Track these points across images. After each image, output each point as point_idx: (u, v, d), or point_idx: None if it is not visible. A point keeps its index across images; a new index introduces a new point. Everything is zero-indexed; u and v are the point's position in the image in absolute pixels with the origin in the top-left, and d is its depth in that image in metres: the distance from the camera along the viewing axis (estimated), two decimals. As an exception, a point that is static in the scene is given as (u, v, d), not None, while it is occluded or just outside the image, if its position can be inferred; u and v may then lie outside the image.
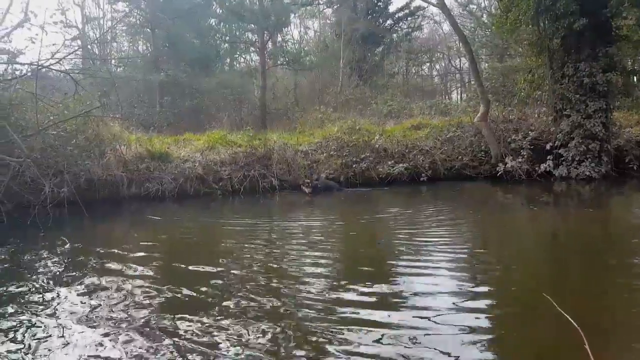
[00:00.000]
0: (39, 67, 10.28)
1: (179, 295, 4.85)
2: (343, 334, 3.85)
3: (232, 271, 5.77)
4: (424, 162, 13.88)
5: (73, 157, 10.62)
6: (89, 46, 26.18)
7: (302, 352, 3.56)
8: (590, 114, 12.78)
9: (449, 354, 3.47)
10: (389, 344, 3.67)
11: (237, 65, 29.27)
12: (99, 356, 3.59)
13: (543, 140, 13.66)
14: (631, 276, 5.48)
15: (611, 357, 3.34)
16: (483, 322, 4.06)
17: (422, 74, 39.48)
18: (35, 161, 9.83)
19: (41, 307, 4.66)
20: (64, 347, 3.76)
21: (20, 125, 10.09)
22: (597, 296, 4.83)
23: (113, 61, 25.16)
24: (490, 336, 3.82)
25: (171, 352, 3.60)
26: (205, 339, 3.77)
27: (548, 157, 13.13)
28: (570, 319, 1.97)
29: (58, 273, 5.89)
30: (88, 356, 3.58)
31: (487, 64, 26.58)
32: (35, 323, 4.26)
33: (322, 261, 6.06)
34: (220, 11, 23.93)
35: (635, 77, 16.04)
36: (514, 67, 19.76)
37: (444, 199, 11.90)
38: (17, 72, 10.93)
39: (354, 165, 13.61)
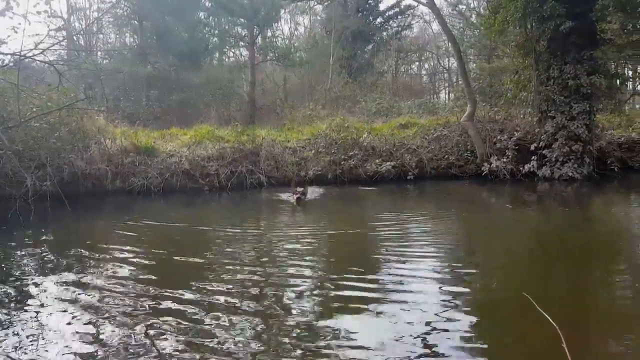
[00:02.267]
0: (22, 57, 10.07)
1: (163, 290, 4.82)
2: (330, 329, 3.87)
3: (218, 266, 5.75)
4: (411, 161, 13.95)
5: (56, 150, 10.47)
6: (74, 37, 25.72)
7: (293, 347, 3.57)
8: (574, 116, 12.96)
9: (430, 349, 3.52)
10: (371, 347, 3.69)
11: (226, 59, 29.08)
12: (81, 349, 3.56)
13: (528, 141, 13.82)
14: (611, 276, 5.60)
15: (588, 354, 3.41)
16: (464, 319, 4.12)
17: (411, 73, 39.69)
18: (17, 153, 9.69)
19: (22, 300, 4.61)
20: (45, 339, 3.72)
21: (2, 117, 9.91)
22: (576, 295, 4.92)
23: (99, 53, 24.80)
24: (470, 334, 3.87)
25: (154, 345, 3.58)
26: (190, 333, 3.76)
27: (532, 158, 13.29)
28: (548, 317, 2.00)
29: (39, 267, 5.82)
30: (70, 348, 3.55)
31: (474, 64, 26.82)
32: (16, 316, 4.21)
33: (307, 259, 6.08)
34: (210, 4, 23.75)
35: (618, 80, 16.27)
36: (501, 68, 19.94)
37: (429, 198, 12.00)
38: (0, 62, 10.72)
39: (342, 163, 13.64)
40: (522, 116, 15.12)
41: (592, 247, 7.03)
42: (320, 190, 11.96)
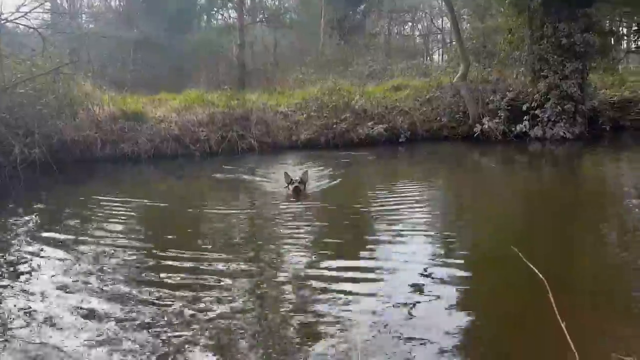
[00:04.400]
0: (4, 21, 9.80)
1: (157, 258, 4.85)
2: (322, 301, 3.94)
3: (212, 232, 5.80)
4: (403, 123, 13.87)
5: (43, 116, 10.28)
6: (57, 0, 24.93)
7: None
8: (567, 75, 12.87)
9: (419, 302, 3.61)
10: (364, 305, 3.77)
11: (215, 22, 28.36)
12: (74, 320, 3.60)
13: (520, 101, 13.74)
14: (598, 231, 5.71)
15: (573, 305, 3.51)
16: (452, 274, 4.22)
17: (404, 34, 38.94)
18: (3, 120, 9.51)
19: (14, 270, 4.62)
20: (37, 307, 3.76)
21: (-15, 83, 9.68)
22: (564, 249, 5.04)
23: (83, 16, 24.06)
24: (458, 288, 3.97)
25: (150, 315, 3.62)
26: (185, 304, 3.80)
27: (524, 118, 13.26)
28: (535, 269, 2.04)
29: (31, 235, 5.82)
30: (62, 319, 3.58)
31: (468, 24, 26.30)
32: (8, 287, 4.23)
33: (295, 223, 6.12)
34: (196, -36, 22.95)
35: (612, 39, 16.10)
36: (494, 27, 19.58)
37: (420, 160, 12.03)
38: (-20, 27, 10.42)
39: (333, 127, 13.53)
40: (515, 76, 14.98)
41: (581, 204, 7.14)
42: (321, 170, 9.82)
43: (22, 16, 10.02)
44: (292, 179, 7.28)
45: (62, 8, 25.16)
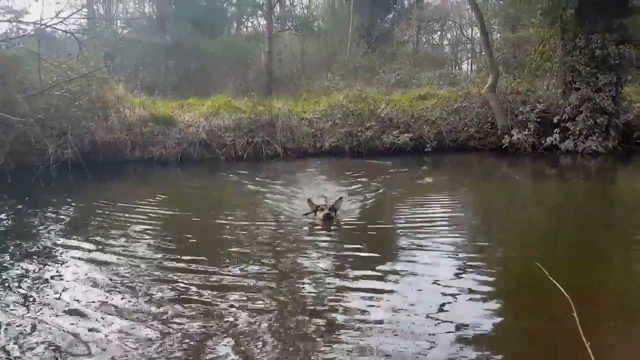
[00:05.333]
0: (43, 26, 10.18)
1: (183, 256, 4.94)
2: (343, 303, 3.93)
3: (237, 230, 5.85)
4: (429, 133, 13.75)
5: (76, 118, 10.62)
6: (94, 6, 25.78)
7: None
8: (600, 88, 12.54)
9: (442, 316, 3.56)
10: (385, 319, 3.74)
11: (244, 29, 28.77)
12: (102, 312, 3.69)
13: (551, 113, 13.45)
14: (628, 251, 5.51)
15: (598, 325, 3.40)
16: (476, 288, 4.14)
17: (433, 43, 38.64)
18: (39, 122, 9.86)
19: (45, 263, 4.77)
20: (67, 303, 3.87)
21: (24, 85, 10.07)
22: (592, 269, 4.87)
23: (118, 22, 24.81)
24: (482, 303, 3.89)
25: (172, 312, 3.69)
26: (209, 300, 3.87)
27: (555, 131, 12.96)
28: (559, 286, 1.99)
29: (62, 231, 6.01)
30: (91, 311, 3.69)
31: (498, 35, 25.95)
32: (40, 278, 4.37)
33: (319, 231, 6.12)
34: (228, -28, 23.37)
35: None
36: (525, 37, 19.29)
37: (447, 170, 11.87)
38: (21, 31, 10.85)
39: (358, 134, 13.52)
40: (545, 88, 14.68)
41: (612, 220, 6.92)
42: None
43: (61, 22, 10.37)
44: (318, 206, 6.22)
45: (99, 14, 26.02)
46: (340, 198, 6.53)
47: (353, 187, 8.84)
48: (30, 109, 9.49)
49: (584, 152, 12.52)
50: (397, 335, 3.26)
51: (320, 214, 6.09)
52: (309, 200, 6.45)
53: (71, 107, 10.56)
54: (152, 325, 3.43)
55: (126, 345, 3.15)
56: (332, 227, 6.08)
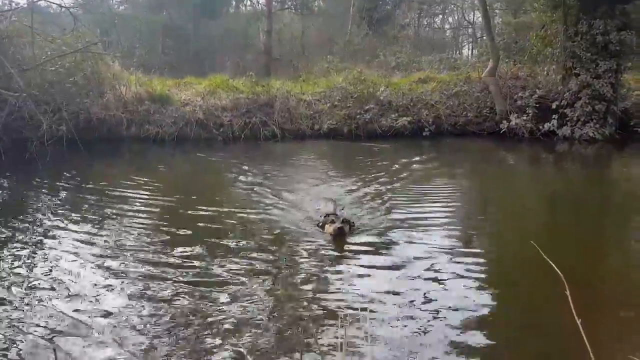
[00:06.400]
0: (37, 0, 9.99)
1: (178, 232, 4.93)
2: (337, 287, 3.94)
3: (231, 213, 5.83)
4: (428, 117, 13.67)
5: (71, 95, 10.51)
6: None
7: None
8: (599, 74, 12.46)
9: (437, 291, 3.58)
10: (382, 290, 3.75)
11: (243, 8, 28.37)
12: (96, 287, 3.69)
13: (550, 99, 13.37)
14: (622, 235, 5.55)
15: (590, 303, 3.44)
16: (471, 267, 4.19)
17: (434, 27, 38.25)
18: (33, 97, 9.74)
19: (40, 241, 4.75)
20: (61, 278, 3.86)
21: (17, 60, 9.91)
22: (585, 249, 4.93)
23: (114, -2, 24.40)
24: (476, 280, 3.93)
25: (167, 283, 3.69)
26: (205, 279, 3.87)
27: (553, 117, 12.91)
28: (552, 264, 1.98)
29: (57, 207, 5.98)
30: (86, 290, 3.68)
31: (500, 19, 25.68)
32: (34, 256, 4.36)
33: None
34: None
35: (651, 38, 15.47)
36: (527, 23, 19.06)
37: (445, 154, 11.85)
38: (14, 4, 10.66)
39: (357, 117, 13.43)
40: (545, 73, 14.56)
41: (606, 205, 6.95)
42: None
43: (55, -5, 10.22)
44: (327, 216, 5.04)
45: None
46: (345, 220, 4.94)
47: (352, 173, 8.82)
48: (24, 84, 9.35)
49: (580, 139, 12.49)
50: (389, 318, 3.26)
51: (330, 228, 4.78)
52: (322, 214, 5.21)
53: (66, 83, 10.43)
54: (147, 304, 3.43)
55: (121, 324, 3.14)
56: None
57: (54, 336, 2.98)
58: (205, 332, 3.03)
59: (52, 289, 3.64)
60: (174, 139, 11.82)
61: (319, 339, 2.99)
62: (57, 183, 7.31)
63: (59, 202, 6.30)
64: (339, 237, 4.66)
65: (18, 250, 4.44)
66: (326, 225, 4.86)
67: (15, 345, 2.87)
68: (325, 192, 6.74)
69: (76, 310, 3.28)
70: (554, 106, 13.03)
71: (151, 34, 20.70)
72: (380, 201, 6.52)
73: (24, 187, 7.07)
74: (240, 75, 15.65)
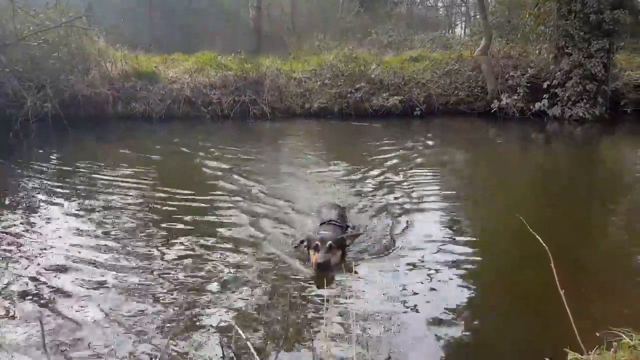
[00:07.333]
0: (16, -28, 9.64)
1: (165, 210, 4.88)
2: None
3: (218, 192, 5.78)
4: (419, 96, 13.59)
5: (56, 71, 10.27)
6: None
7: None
8: (591, 54, 12.41)
9: (424, 266, 3.59)
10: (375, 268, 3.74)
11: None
12: (86, 266, 3.63)
13: (541, 79, 13.33)
14: (608, 212, 5.59)
15: (574, 276, 3.49)
16: (459, 240, 4.22)
17: (427, 5, 37.82)
18: (16, 73, 9.51)
19: (27, 219, 4.67)
20: (51, 256, 3.79)
21: (-1, 34, 9.64)
22: (571, 225, 4.97)
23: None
24: (464, 253, 3.95)
25: (158, 263, 3.65)
26: (192, 259, 3.81)
27: (544, 96, 12.89)
28: (538, 237, 1.96)
29: (43, 186, 5.88)
30: (74, 265, 3.63)
31: (494, -3, 25.42)
32: (22, 233, 4.27)
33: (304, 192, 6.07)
34: None
35: (644, 17, 15.40)
36: (521, 1, 18.88)
37: (435, 134, 11.81)
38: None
39: (347, 96, 13.31)
40: (537, 52, 14.49)
41: (593, 184, 7.00)
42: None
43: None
44: (309, 241, 3.89)
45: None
46: (348, 238, 4.08)
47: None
48: (6, 60, 9.11)
49: (570, 119, 12.51)
50: (379, 300, 3.25)
51: (313, 257, 3.76)
52: (301, 244, 4.03)
53: (49, 59, 10.17)
54: (136, 277, 3.39)
55: (109, 298, 3.10)
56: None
57: (42, 310, 2.94)
58: (196, 324, 2.99)
59: (40, 263, 3.59)
60: (161, 117, 11.65)
61: (302, 330, 2.92)
62: (42, 163, 7.17)
63: (43, 182, 6.17)
64: (324, 266, 3.67)
65: (3, 227, 4.35)
66: (311, 251, 3.83)
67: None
68: (316, 178, 6.58)
69: (63, 283, 3.25)
70: (545, 86, 13.00)
71: (137, 9, 20.20)
72: (372, 186, 6.33)
73: (10, 164, 6.93)
74: (229, 52, 15.39)
